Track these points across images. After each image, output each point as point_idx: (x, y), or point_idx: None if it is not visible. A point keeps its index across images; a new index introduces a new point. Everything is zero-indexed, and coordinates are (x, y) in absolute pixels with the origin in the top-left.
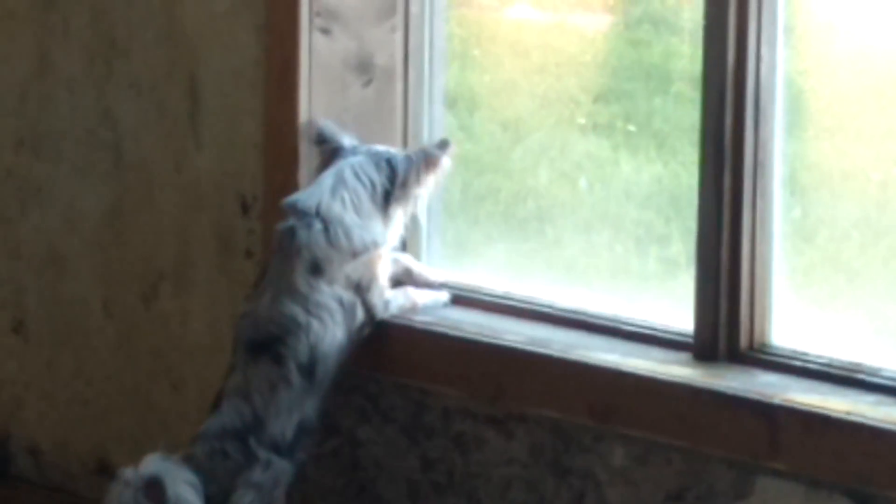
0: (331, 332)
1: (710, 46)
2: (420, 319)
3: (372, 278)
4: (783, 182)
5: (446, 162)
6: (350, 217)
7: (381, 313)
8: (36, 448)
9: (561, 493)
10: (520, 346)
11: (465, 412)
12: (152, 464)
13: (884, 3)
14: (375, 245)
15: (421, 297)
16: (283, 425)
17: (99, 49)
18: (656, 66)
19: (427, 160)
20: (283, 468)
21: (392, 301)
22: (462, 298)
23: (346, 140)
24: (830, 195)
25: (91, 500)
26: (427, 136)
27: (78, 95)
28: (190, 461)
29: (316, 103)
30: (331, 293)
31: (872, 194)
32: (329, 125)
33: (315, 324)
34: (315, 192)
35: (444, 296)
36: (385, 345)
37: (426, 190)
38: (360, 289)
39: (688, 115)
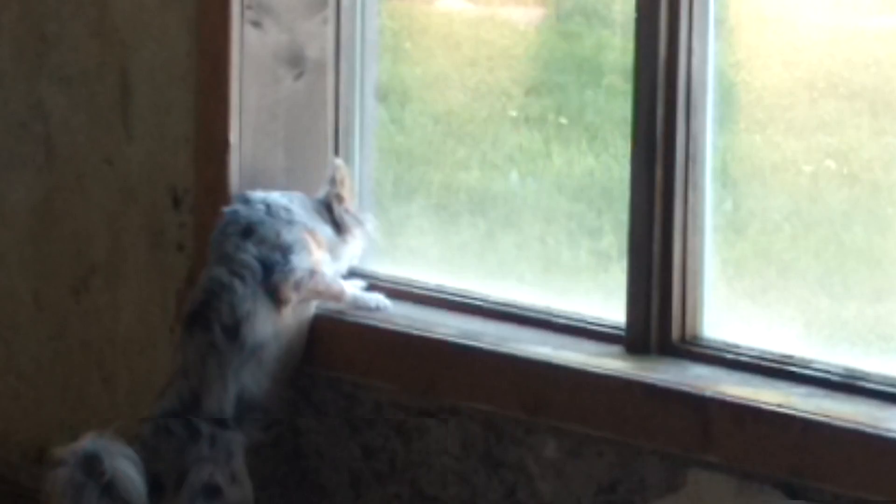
0: (251, 290)
1: (641, 39)
2: (351, 312)
3: (304, 248)
4: (715, 175)
5: (343, 172)
6: (297, 209)
7: (303, 280)
8: None
9: (493, 485)
10: (451, 339)
11: (396, 406)
12: (87, 442)
13: None
14: (314, 229)
15: (350, 293)
16: (219, 398)
17: (29, 42)
18: (588, 59)
19: (333, 183)
20: (232, 439)
21: (317, 277)
22: (394, 291)
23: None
24: (762, 188)
25: (32, 490)
26: (358, 128)
27: (8, 88)
28: (136, 440)
29: (247, 96)
30: (255, 252)
31: (804, 187)
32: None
33: (237, 283)
34: (265, 193)
35: (371, 296)
36: (316, 338)
37: (352, 207)
38: (288, 251)
39: (619, 107)
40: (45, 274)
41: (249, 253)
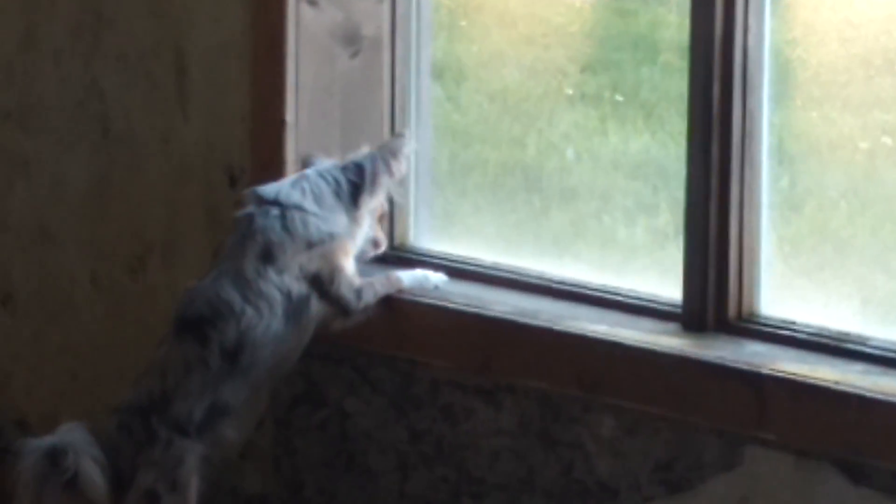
0: (265, 321)
1: (697, 16)
2: (409, 291)
3: (334, 270)
4: (771, 152)
5: (408, 150)
6: (310, 205)
7: (354, 304)
8: (24, 420)
9: (550, 463)
10: (508, 316)
11: (453, 383)
12: (61, 433)
13: None
14: (332, 237)
15: (407, 277)
16: (191, 406)
17: (85, 21)
18: (643, 36)
19: (391, 152)
20: (186, 447)
21: (365, 289)
22: (450, 269)
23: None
24: (818, 164)
25: None
26: (414, 107)
27: (64, 68)
28: (102, 433)
29: (303, 75)
30: (278, 282)
31: (860, 163)
32: (318, 159)
33: (250, 311)
34: (276, 184)
35: (434, 275)
36: (373, 317)
37: (398, 176)
38: (321, 282)
39: (675, 85)
40: (101, 253)
41: (272, 282)
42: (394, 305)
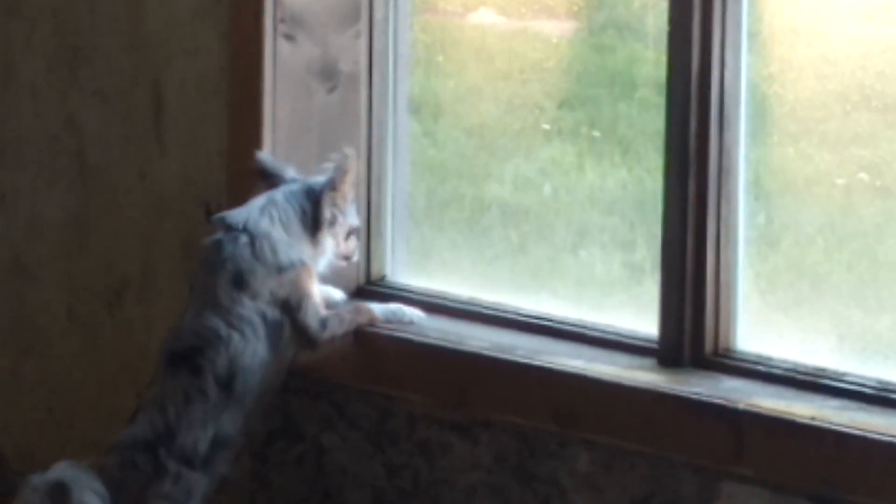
0: (252, 345)
1: (674, 52)
2: (385, 325)
3: (302, 297)
4: (747, 188)
5: (349, 166)
6: (278, 233)
7: (317, 334)
8: (0, 455)
9: (526, 498)
10: (485, 352)
11: (429, 418)
12: (60, 470)
13: (846, 9)
14: (302, 263)
15: (379, 309)
16: (196, 437)
17: (62, 56)
18: (621, 72)
19: (337, 172)
20: (195, 480)
21: (331, 319)
22: (427, 304)
23: (289, 173)
24: (795, 201)
25: None
26: (391, 142)
27: (41, 102)
28: (102, 472)
29: (280, 110)
30: (254, 307)
31: (837, 199)
32: (268, 158)
33: (236, 337)
34: (244, 210)
35: (410, 310)
36: (350, 351)
37: (343, 202)
38: (290, 308)
39: (652, 120)
40: (78, 288)
41: (248, 308)
42: (370, 340)
